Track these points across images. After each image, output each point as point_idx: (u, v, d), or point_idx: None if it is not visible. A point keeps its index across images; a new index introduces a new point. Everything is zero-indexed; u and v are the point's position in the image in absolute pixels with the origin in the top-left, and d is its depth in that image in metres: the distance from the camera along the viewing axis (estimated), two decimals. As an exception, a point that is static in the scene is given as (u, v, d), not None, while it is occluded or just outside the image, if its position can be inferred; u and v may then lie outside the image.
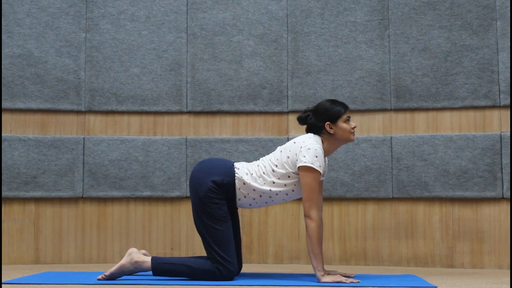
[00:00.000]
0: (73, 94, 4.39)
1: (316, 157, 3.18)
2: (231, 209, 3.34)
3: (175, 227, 4.37)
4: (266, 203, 3.32)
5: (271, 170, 3.25)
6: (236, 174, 3.26)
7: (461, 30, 4.28)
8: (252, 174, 3.26)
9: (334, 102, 3.31)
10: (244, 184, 3.25)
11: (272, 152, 3.34)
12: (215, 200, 3.22)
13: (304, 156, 3.17)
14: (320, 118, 3.28)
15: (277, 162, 3.25)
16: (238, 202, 3.30)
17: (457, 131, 4.27)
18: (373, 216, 4.30)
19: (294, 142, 3.26)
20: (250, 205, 3.32)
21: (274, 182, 3.24)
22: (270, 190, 3.24)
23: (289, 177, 3.23)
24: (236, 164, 3.31)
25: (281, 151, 3.28)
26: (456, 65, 4.27)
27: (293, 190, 3.26)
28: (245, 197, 3.27)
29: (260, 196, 3.26)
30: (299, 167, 3.18)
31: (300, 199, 4.30)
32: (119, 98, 4.41)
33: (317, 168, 3.17)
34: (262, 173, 3.25)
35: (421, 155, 4.26)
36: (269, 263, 4.33)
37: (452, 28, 4.29)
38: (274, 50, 4.43)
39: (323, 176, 3.32)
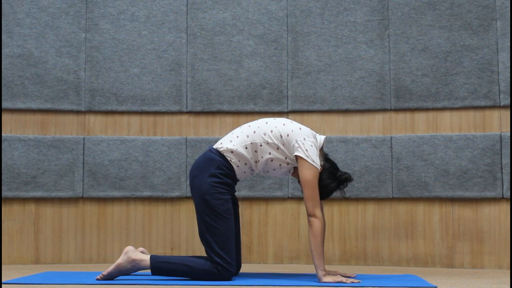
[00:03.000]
0: (73, 94, 4.39)
1: (316, 156, 3.21)
2: (233, 207, 3.34)
3: (175, 227, 4.37)
4: (253, 170, 3.33)
5: (263, 132, 3.26)
6: (220, 149, 3.27)
7: (461, 30, 4.28)
8: (238, 136, 3.28)
9: (334, 189, 3.34)
10: (232, 152, 3.26)
11: (273, 118, 3.35)
12: (218, 195, 3.22)
13: (307, 150, 3.19)
14: (330, 173, 3.30)
15: (275, 130, 3.25)
16: (237, 175, 3.31)
17: (457, 131, 4.27)
18: (373, 216, 4.30)
19: (300, 129, 3.27)
20: (245, 172, 3.33)
21: (261, 145, 3.25)
22: (256, 151, 3.25)
23: (278, 149, 3.25)
24: (215, 144, 3.33)
25: (284, 124, 3.28)
26: (456, 65, 4.27)
27: (272, 160, 3.26)
28: (238, 166, 3.28)
29: (245, 164, 3.28)
30: (299, 156, 3.19)
31: (300, 199, 4.30)
32: (119, 98, 4.41)
33: (317, 167, 3.19)
34: (252, 132, 3.26)
35: (421, 155, 4.26)
36: (269, 263, 4.33)
37: (452, 28, 4.29)
38: (274, 50, 4.43)
39: None
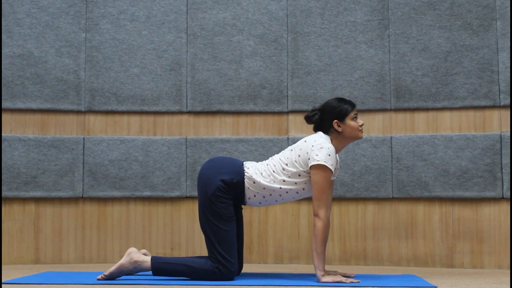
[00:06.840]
0: (73, 94, 4.40)
1: (329, 155, 3.18)
2: (236, 209, 3.34)
3: (175, 227, 4.37)
4: (276, 201, 3.31)
5: (281, 168, 3.25)
6: (245, 173, 3.26)
7: (461, 30, 4.28)
8: (262, 173, 3.26)
9: (341, 100, 3.33)
10: (254, 183, 3.24)
11: (282, 151, 3.34)
12: (222, 199, 3.22)
13: (317, 155, 3.17)
14: (328, 117, 3.29)
15: (287, 161, 3.24)
16: (248, 201, 3.30)
17: (457, 131, 4.27)
18: (373, 216, 4.30)
19: (305, 141, 3.26)
20: (260, 203, 3.32)
21: (284, 181, 3.24)
22: (280, 188, 3.24)
23: (299, 175, 3.23)
24: (246, 163, 3.31)
25: (291, 150, 3.27)
26: (456, 65, 4.27)
27: (303, 189, 3.26)
28: (254, 196, 3.27)
29: (270, 194, 3.26)
30: (311, 165, 3.18)
31: (300, 200, 4.30)
32: (119, 98, 4.41)
33: (329, 167, 3.16)
34: (272, 172, 3.25)
35: (421, 155, 4.26)
36: (269, 263, 4.33)
37: (452, 28, 4.30)
38: (274, 50, 4.43)
39: (334, 175, 3.32)
